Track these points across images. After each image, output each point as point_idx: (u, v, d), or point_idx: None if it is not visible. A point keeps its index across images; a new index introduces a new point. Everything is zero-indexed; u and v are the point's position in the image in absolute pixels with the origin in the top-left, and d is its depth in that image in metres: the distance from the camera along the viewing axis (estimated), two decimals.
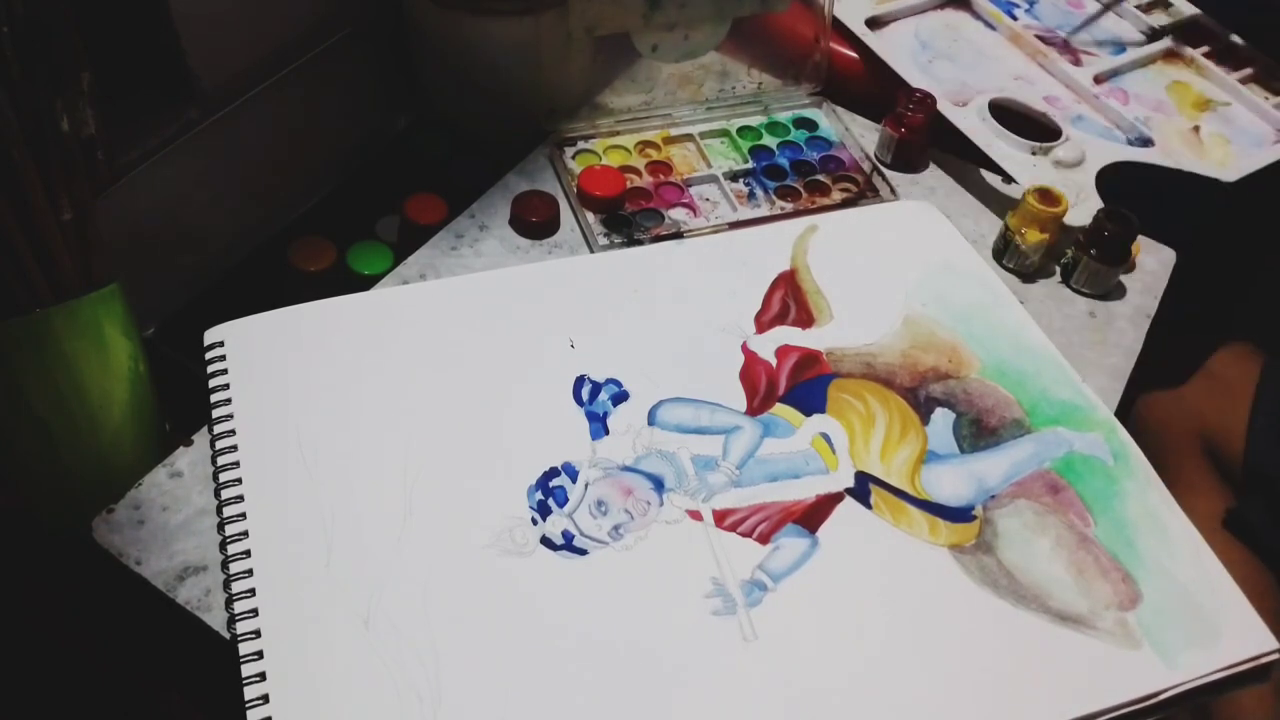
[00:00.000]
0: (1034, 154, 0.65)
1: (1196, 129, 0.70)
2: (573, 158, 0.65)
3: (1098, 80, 0.72)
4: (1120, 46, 0.76)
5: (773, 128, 0.69)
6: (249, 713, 0.39)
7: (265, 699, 0.39)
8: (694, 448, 0.49)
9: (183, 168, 0.56)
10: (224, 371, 0.49)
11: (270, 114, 0.60)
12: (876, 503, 0.47)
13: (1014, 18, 0.77)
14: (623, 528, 0.46)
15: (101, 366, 0.47)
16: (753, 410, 0.51)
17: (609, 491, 0.47)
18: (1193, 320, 0.64)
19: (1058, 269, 0.62)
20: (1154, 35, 0.77)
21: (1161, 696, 0.42)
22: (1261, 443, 0.58)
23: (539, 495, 0.46)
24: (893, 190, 0.66)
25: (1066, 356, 0.55)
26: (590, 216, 0.62)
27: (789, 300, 0.56)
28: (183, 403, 0.51)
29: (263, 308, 0.52)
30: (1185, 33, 0.78)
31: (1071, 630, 0.44)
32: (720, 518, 0.46)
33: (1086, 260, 0.60)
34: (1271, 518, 0.55)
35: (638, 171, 0.65)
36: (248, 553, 0.43)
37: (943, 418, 0.51)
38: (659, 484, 0.47)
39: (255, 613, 0.41)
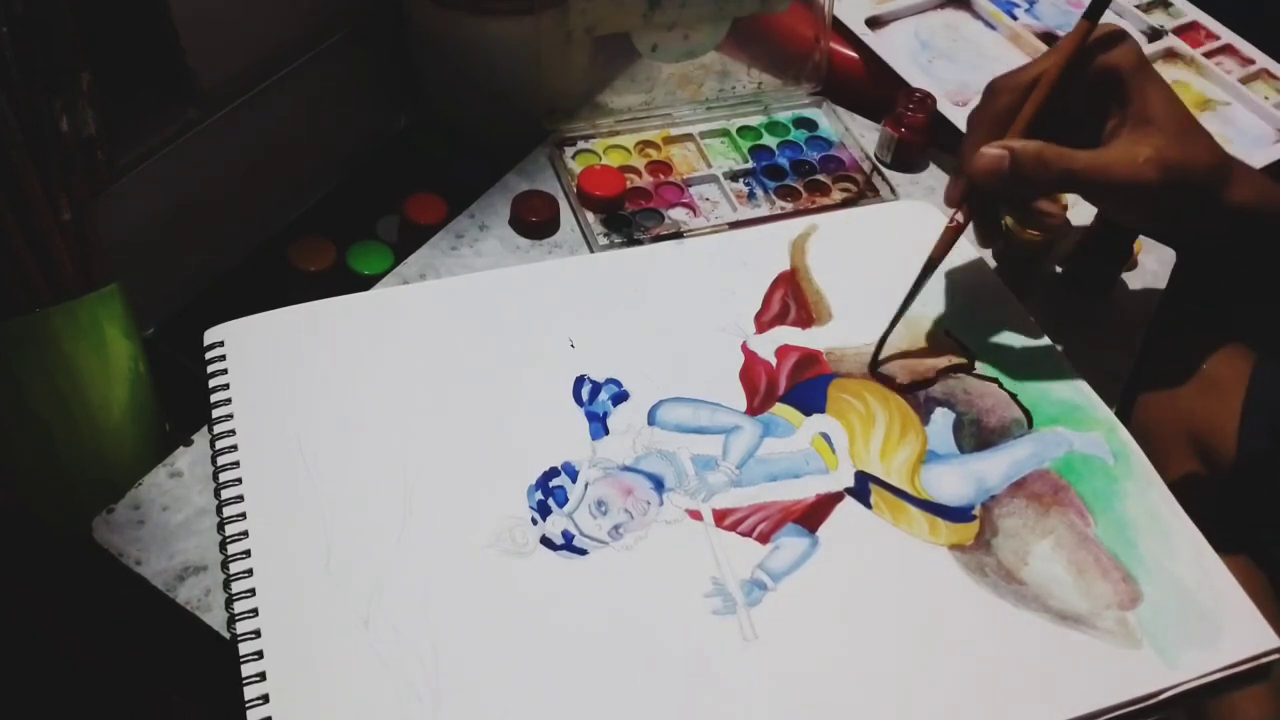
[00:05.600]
0: None
1: None
2: (573, 158, 0.65)
3: None
4: None
5: (773, 128, 0.69)
6: (249, 713, 0.39)
7: (265, 699, 0.39)
8: (694, 447, 0.49)
9: (183, 168, 0.56)
10: (224, 371, 0.49)
11: (270, 114, 0.60)
12: (876, 502, 0.47)
13: (1014, 17, 0.77)
14: (623, 527, 0.46)
15: (101, 366, 0.47)
16: (753, 410, 0.51)
17: (609, 491, 0.47)
18: (1193, 320, 0.64)
19: (1058, 269, 0.62)
20: (1154, 35, 0.77)
21: (1162, 696, 0.42)
22: (1253, 441, 0.58)
23: (539, 495, 0.46)
24: (893, 190, 0.66)
25: (1066, 356, 0.55)
26: (590, 216, 0.62)
27: (789, 300, 0.56)
28: (183, 403, 0.51)
29: (263, 308, 0.52)
30: (1185, 33, 0.78)
31: (1071, 630, 0.44)
32: (720, 517, 0.46)
33: (1089, 260, 0.60)
34: (1263, 517, 0.55)
35: (638, 171, 0.65)
36: (248, 553, 0.43)
37: (943, 417, 0.51)
38: (659, 484, 0.47)
39: (255, 613, 0.41)
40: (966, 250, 0.60)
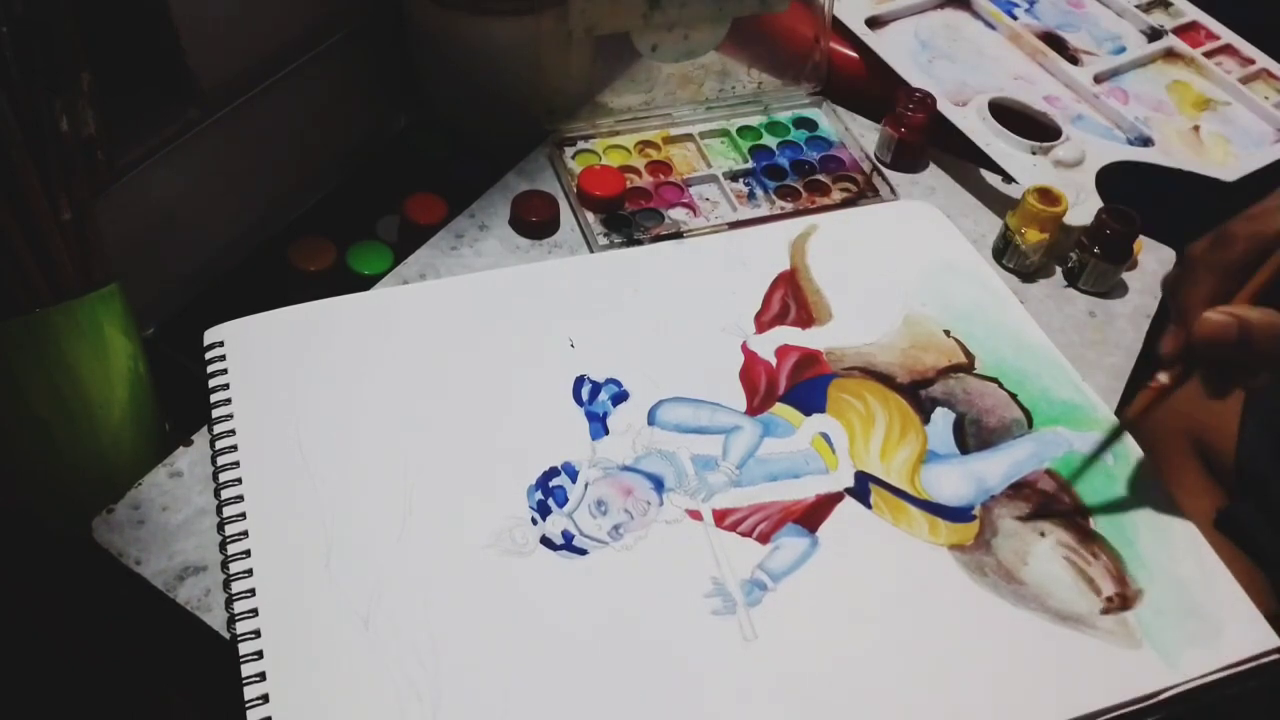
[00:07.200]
0: (1034, 154, 0.65)
1: (1196, 129, 0.70)
2: (573, 157, 0.65)
3: (1098, 80, 0.72)
4: (1120, 46, 0.76)
5: (773, 128, 0.69)
6: (249, 713, 0.39)
7: (265, 699, 0.39)
8: (694, 447, 0.49)
9: (183, 168, 0.56)
10: (224, 371, 0.49)
11: (270, 114, 0.60)
12: (876, 502, 0.47)
13: (1014, 17, 0.77)
14: (622, 527, 0.46)
15: (101, 366, 0.47)
16: (753, 410, 0.51)
17: (609, 491, 0.47)
18: None
19: (1058, 269, 0.62)
20: (1154, 35, 0.77)
21: (1162, 696, 0.42)
22: (1252, 444, 0.58)
23: (539, 495, 0.46)
24: (893, 190, 0.66)
25: (1066, 356, 0.55)
26: (590, 216, 0.62)
27: (789, 300, 0.56)
28: (183, 403, 0.51)
29: (263, 308, 0.52)
30: (1185, 33, 0.78)
31: (1071, 630, 0.44)
32: (720, 517, 0.46)
33: (1091, 260, 0.60)
34: (1263, 519, 0.55)
35: (638, 171, 0.65)
36: (248, 553, 0.43)
37: (942, 417, 0.51)
38: (659, 484, 0.47)
39: (255, 613, 0.41)
40: (966, 250, 0.60)
